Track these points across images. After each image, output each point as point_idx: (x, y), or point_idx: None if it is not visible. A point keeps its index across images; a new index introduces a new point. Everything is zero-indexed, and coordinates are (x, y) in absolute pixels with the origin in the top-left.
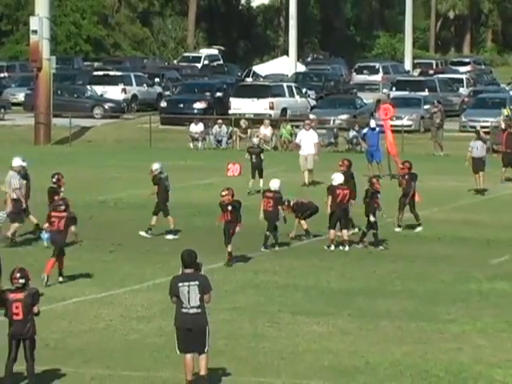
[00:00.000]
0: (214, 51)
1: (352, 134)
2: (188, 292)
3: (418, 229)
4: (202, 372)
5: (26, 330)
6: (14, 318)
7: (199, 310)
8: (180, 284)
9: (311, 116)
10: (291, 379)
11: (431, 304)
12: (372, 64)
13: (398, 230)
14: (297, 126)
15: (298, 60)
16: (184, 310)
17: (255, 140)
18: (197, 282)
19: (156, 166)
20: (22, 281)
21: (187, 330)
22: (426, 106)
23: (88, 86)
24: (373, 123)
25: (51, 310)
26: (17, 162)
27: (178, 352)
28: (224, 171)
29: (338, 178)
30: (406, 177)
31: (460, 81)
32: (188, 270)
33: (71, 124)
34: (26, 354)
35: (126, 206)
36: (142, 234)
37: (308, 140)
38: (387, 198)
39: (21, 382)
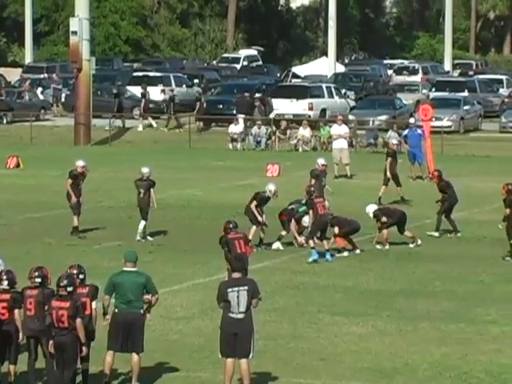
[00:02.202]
0: (253, 52)
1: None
2: (237, 297)
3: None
4: (246, 381)
5: (38, 327)
6: (27, 313)
7: (247, 315)
8: (229, 290)
9: (350, 117)
10: (331, 380)
11: (471, 305)
12: (412, 65)
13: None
14: None
15: (338, 61)
16: (231, 315)
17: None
18: (246, 287)
19: (145, 170)
20: (38, 280)
21: (233, 334)
22: (466, 107)
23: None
24: (412, 120)
25: None
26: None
27: (220, 356)
28: (263, 172)
29: (370, 209)
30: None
31: (500, 81)
32: (236, 275)
33: (111, 125)
34: (44, 352)
35: (165, 207)
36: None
37: (341, 134)
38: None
39: (41, 379)
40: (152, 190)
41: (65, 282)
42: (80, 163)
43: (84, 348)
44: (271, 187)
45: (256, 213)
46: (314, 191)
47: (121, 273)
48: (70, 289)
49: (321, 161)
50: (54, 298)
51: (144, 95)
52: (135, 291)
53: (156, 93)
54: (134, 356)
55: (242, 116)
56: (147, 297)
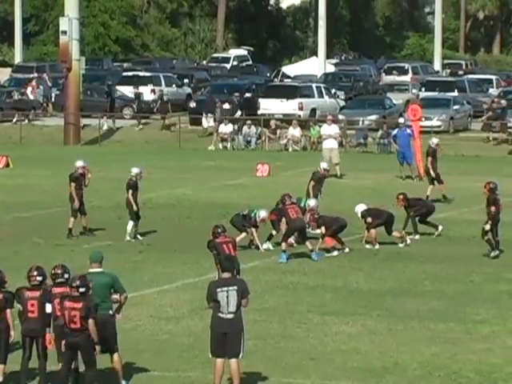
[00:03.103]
0: (243, 52)
1: (380, 134)
2: (227, 297)
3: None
4: (236, 381)
5: (40, 328)
6: (28, 315)
7: (236, 315)
8: (218, 289)
9: (340, 117)
10: (320, 380)
11: (461, 305)
12: (401, 64)
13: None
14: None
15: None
16: (221, 315)
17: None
18: (235, 287)
19: (135, 171)
20: (39, 278)
21: (223, 334)
22: (456, 107)
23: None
24: (401, 120)
25: None
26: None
27: (211, 356)
28: (253, 172)
29: (359, 208)
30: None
31: (490, 81)
32: (226, 274)
33: (101, 124)
34: (38, 352)
35: (155, 206)
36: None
37: (331, 134)
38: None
39: (32, 379)
40: (130, 191)
41: (77, 282)
42: (80, 163)
43: (97, 347)
44: (262, 214)
45: (258, 239)
46: (286, 199)
47: (87, 274)
48: (82, 290)
49: (324, 165)
50: (66, 298)
51: (108, 94)
52: (102, 292)
53: (146, 93)
54: (114, 356)
55: (209, 115)
56: (115, 296)
